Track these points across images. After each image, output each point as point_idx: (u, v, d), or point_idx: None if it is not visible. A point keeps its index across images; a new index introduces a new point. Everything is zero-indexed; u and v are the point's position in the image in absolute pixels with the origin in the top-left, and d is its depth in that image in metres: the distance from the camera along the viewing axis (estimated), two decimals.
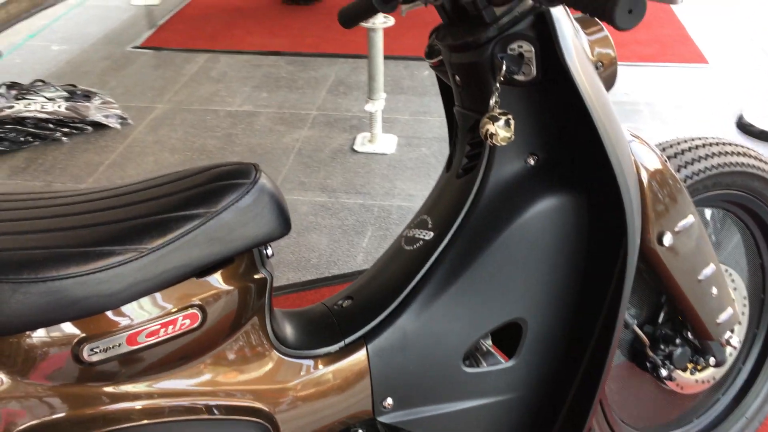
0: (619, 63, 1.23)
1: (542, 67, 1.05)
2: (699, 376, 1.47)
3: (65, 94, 3.21)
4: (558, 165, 1.15)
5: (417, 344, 1.14)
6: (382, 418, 1.14)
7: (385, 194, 2.67)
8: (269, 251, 1.07)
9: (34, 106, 3.03)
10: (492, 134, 1.05)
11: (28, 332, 0.85)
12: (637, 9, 0.79)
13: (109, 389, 0.92)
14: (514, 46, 1.05)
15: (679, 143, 1.38)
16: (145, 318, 0.91)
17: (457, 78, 1.14)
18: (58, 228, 0.87)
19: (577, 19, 1.15)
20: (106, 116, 3.12)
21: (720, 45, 3.95)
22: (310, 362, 1.08)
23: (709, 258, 1.28)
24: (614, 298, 1.15)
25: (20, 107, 3.01)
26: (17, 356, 0.86)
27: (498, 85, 1.05)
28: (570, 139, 1.13)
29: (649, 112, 3.25)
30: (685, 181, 1.32)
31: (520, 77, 1.07)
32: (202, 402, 0.98)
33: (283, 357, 1.06)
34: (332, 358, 1.10)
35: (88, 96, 3.24)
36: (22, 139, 2.95)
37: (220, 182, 0.96)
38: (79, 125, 3.06)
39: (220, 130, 3.12)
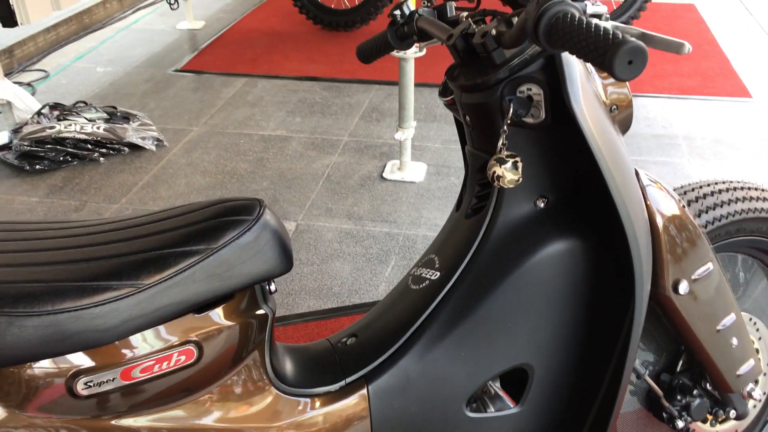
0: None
1: (551, 110, 1.04)
2: (720, 428, 1.42)
3: (105, 115, 3.29)
4: (568, 208, 1.12)
5: (419, 386, 1.12)
6: None
7: (411, 223, 2.66)
8: (272, 287, 1.06)
9: (74, 127, 3.12)
10: (499, 176, 1.03)
11: (23, 364, 0.86)
12: (637, 61, 0.77)
13: (103, 423, 0.93)
14: (524, 88, 1.04)
15: (701, 187, 1.34)
16: (139, 353, 0.91)
17: (468, 118, 1.14)
18: (57, 261, 0.89)
19: None
20: (143, 138, 3.20)
21: (765, 79, 3.86)
22: (309, 400, 1.07)
23: (729, 307, 1.24)
24: (624, 345, 1.11)
25: (60, 128, 3.10)
26: (13, 388, 0.87)
27: (506, 127, 1.04)
28: (580, 182, 1.11)
29: (687, 147, 3.17)
30: (705, 227, 1.28)
31: (529, 120, 1.06)
32: None
33: (280, 394, 1.05)
34: (332, 397, 1.09)
35: (127, 118, 3.32)
36: (61, 158, 3.03)
37: (222, 218, 0.97)
38: (116, 146, 3.14)
39: (252, 154, 3.17)
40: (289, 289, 2.31)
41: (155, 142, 3.22)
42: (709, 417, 1.36)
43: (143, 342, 0.91)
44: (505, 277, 1.11)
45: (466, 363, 1.12)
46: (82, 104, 3.40)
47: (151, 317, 0.90)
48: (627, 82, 1.17)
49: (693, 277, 1.17)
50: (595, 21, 0.93)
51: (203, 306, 0.96)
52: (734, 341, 1.25)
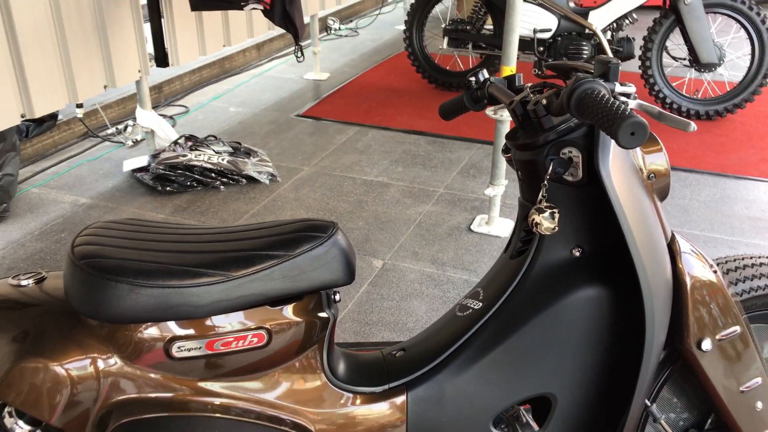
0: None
1: (588, 172, 1.20)
2: None
3: (230, 149, 3.69)
4: (601, 260, 1.27)
5: (452, 400, 1.28)
6: None
7: None
8: (337, 297, 1.27)
9: (202, 157, 3.53)
10: (537, 224, 1.20)
11: (135, 325, 1.11)
12: (638, 133, 0.93)
13: (188, 382, 1.16)
14: (566, 150, 1.21)
15: (743, 259, 1.43)
16: (222, 330, 1.14)
17: (519, 172, 1.32)
18: (170, 250, 1.14)
19: None
20: (260, 172, 3.56)
21: None
22: (352, 396, 1.26)
23: (755, 371, 1.32)
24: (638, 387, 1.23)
25: (191, 156, 3.52)
26: (127, 343, 1.12)
27: (546, 182, 1.21)
28: (613, 238, 1.25)
29: None
30: (741, 295, 1.37)
31: (568, 177, 1.22)
32: (257, 409, 1.19)
33: (330, 385, 1.24)
34: (374, 397, 1.27)
35: (248, 153, 3.71)
36: (188, 183, 3.44)
37: (301, 233, 1.20)
38: (235, 177, 3.52)
39: (353, 196, 3.44)
40: (368, 320, 2.51)
41: (269, 177, 3.58)
42: None
43: (226, 322, 1.14)
44: (537, 314, 1.26)
45: (495, 385, 1.27)
46: (212, 138, 3.83)
47: (234, 302, 1.13)
48: (665, 157, 1.31)
49: (718, 337, 1.27)
50: (621, 99, 1.11)
51: (277, 301, 1.18)
52: (759, 405, 1.32)
